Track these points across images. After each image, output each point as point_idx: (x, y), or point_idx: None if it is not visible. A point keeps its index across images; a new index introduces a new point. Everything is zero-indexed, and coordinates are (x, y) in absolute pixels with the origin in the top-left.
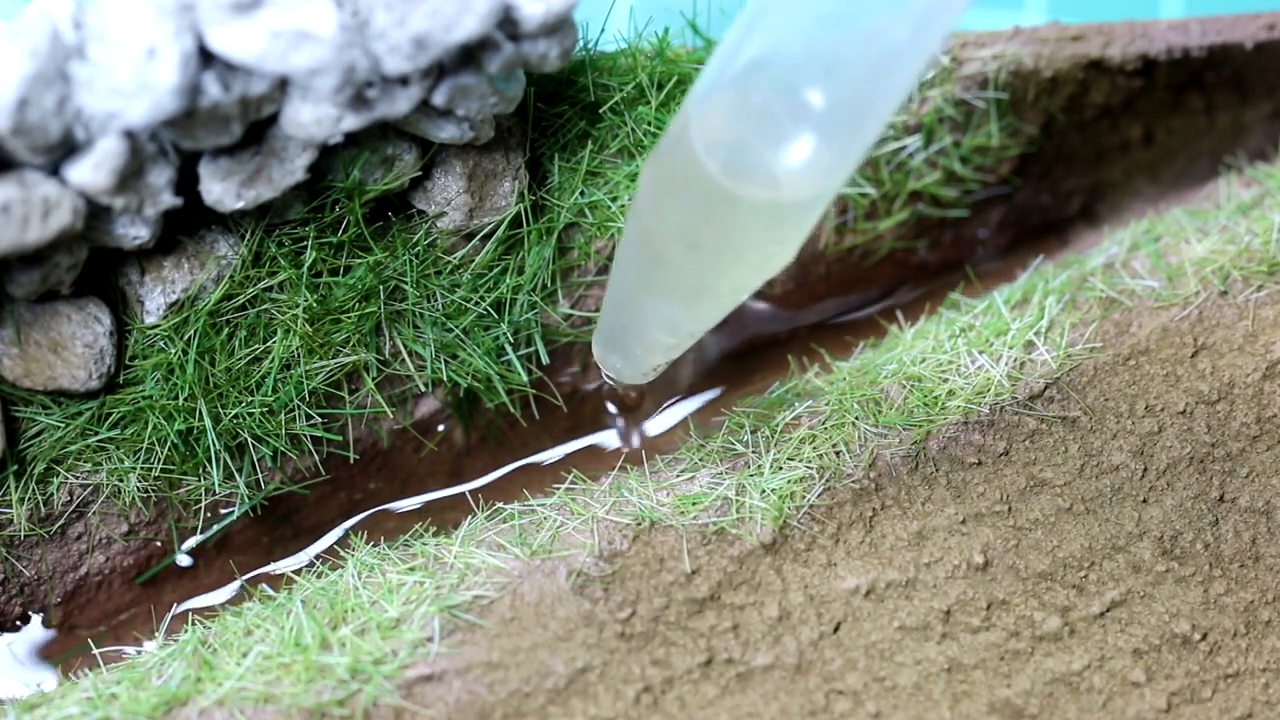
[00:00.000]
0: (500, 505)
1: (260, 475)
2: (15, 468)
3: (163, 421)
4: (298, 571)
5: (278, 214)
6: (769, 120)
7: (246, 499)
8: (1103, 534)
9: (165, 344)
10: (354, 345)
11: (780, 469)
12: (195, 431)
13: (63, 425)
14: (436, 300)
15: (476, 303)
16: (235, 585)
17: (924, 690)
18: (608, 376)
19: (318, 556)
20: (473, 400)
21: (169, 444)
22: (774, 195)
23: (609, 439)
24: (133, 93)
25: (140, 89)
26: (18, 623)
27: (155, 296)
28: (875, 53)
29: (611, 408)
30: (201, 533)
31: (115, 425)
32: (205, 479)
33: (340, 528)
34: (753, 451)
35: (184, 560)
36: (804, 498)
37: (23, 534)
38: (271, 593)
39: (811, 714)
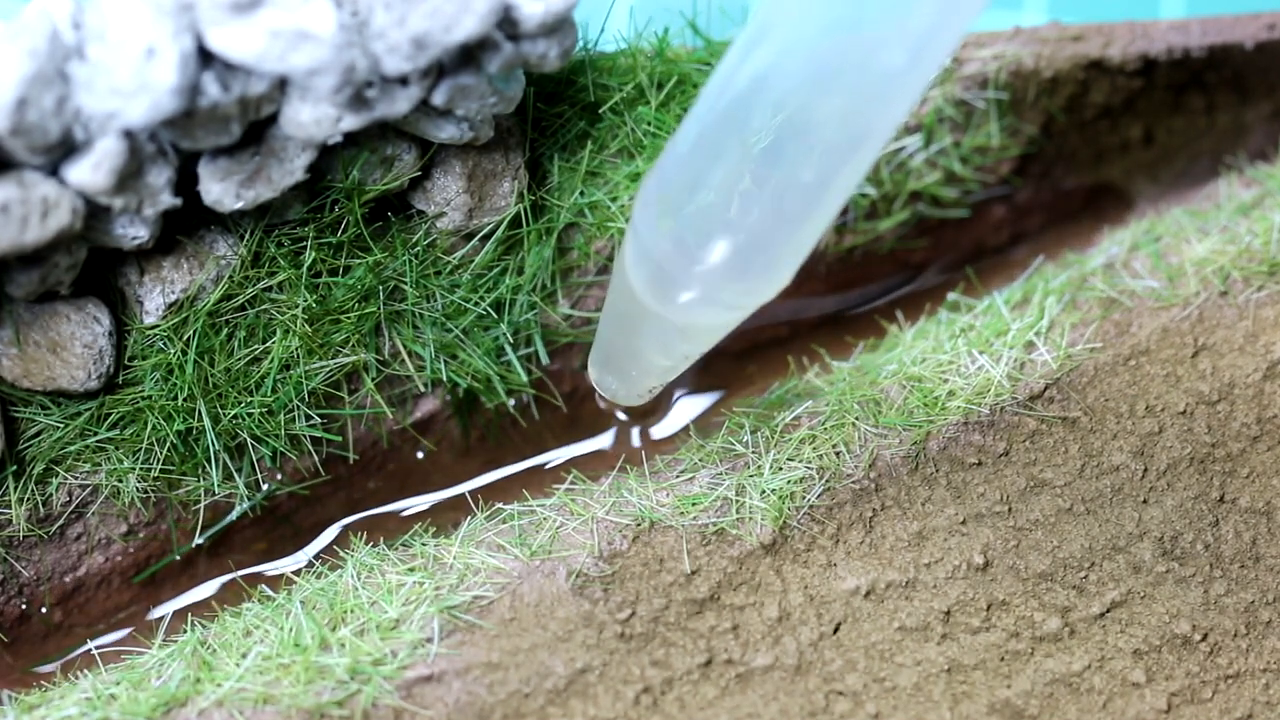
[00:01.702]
0: (500, 505)
1: (260, 475)
2: (14, 468)
3: (162, 422)
4: (297, 572)
5: (277, 214)
6: (685, 252)
7: (246, 499)
8: (1103, 534)
9: (164, 344)
10: (353, 345)
11: (780, 469)
12: (194, 432)
13: (62, 425)
14: (436, 300)
15: (476, 303)
16: (235, 585)
17: (924, 691)
18: (601, 397)
19: (317, 557)
20: (472, 400)
21: (168, 444)
22: (692, 319)
23: (609, 439)
24: (132, 93)
25: (139, 89)
26: (17, 623)
27: (154, 297)
28: (875, 69)
29: (621, 415)
30: (201, 533)
31: (114, 425)
32: (204, 479)
33: (340, 527)
34: (753, 452)
35: (183, 561)
36: (804, 498)
37: (22, 534)
38: (271, 593)
39: (811, 714)
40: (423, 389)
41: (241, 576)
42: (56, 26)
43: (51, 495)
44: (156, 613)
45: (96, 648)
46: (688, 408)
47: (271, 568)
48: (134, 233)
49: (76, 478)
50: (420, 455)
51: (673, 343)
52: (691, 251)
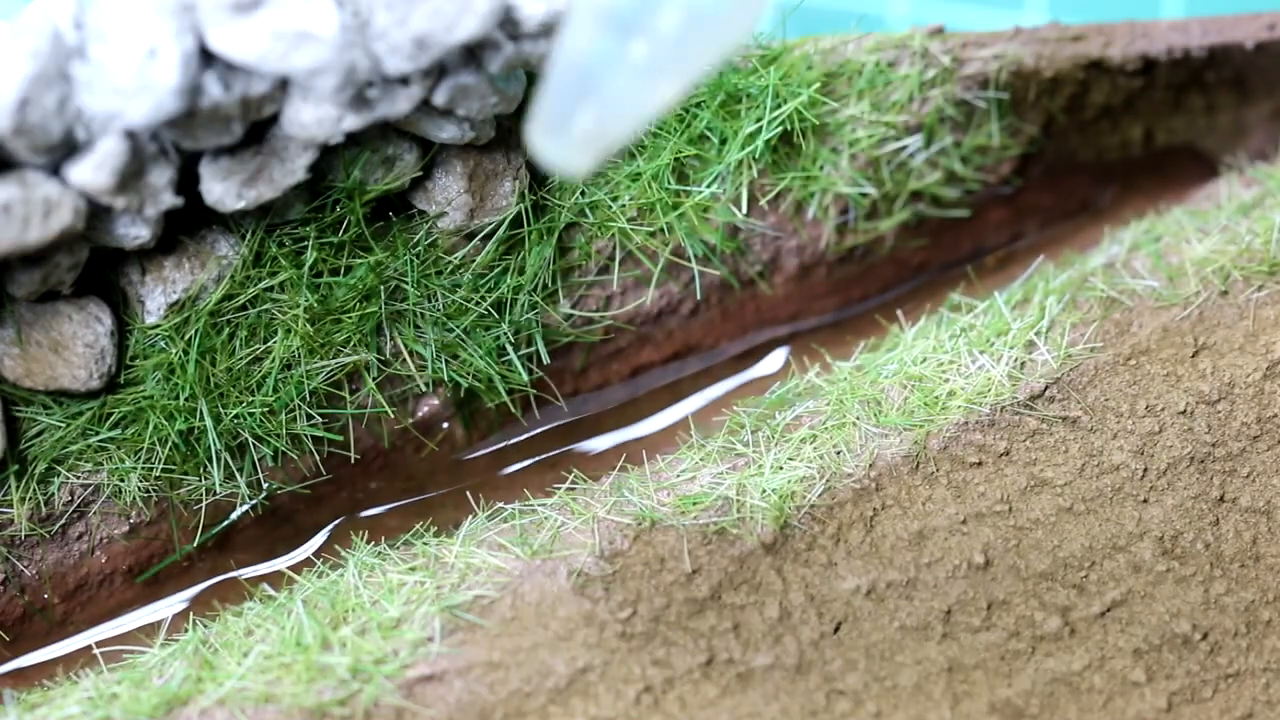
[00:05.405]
0: (500, 505)
1: (261, 475)
2: (16, 468)
3: (164, 421)
4: (298, 571)
5: (278, 214)
6: None
7: (247, 499)
8: (1103, 534)
9: (166, 344)
10: (355, 345)
11: (781, 469)
12: (196, 431)
13: (63, 425)
14: (437, 300)
15: (477, 303)
16: (236, 585)
17: (924, 690)
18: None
19: (318, 556)
20: (473, 400)
21: (170, 444)
22: None
23: (608, 440)
24: (134, 93)
25: (141, 89)
26: (19, 622)
27: (156, 296)
28: None
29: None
30: (202, 532)
31: (116, 425)
32: (206, 479)
33: (340, 527)
34: (753, 451)
35: (185, 560)
36: (805, 498)
37: (24, 534)
38: (272, 592)
39: (812, 714)
40: (424, 388)
41: (243, 576)
42: (58, 27)
43: (53, 495)
44: (158, 612)
45: (98, 647)
46: (687, 407)
47: (273, 567)
48: (136, 232)
49: (78, 477)
50: (421, 455)
51: (647, 68)
52: None
